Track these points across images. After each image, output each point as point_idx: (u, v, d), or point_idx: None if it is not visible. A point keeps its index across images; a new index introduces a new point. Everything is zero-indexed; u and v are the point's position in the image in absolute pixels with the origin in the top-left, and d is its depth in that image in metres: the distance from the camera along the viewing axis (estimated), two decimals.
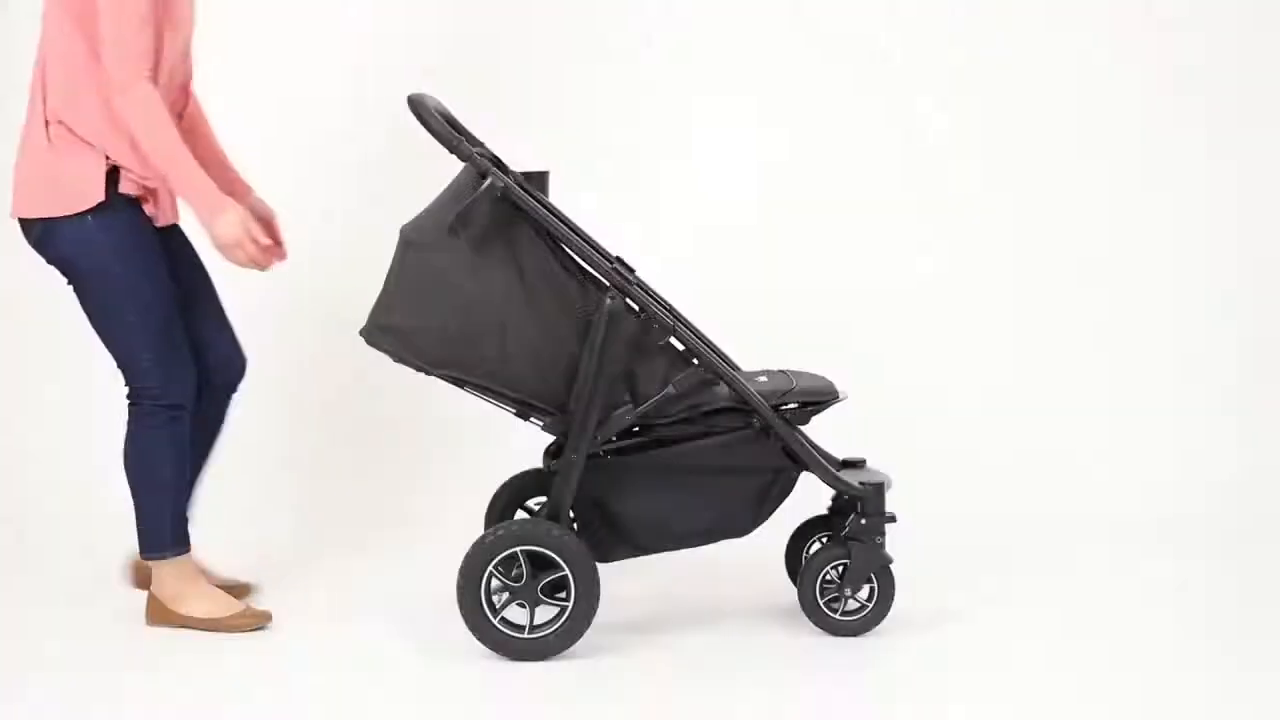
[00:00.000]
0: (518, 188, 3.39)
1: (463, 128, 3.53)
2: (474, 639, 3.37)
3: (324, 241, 4.56)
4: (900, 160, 4.79)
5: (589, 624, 3.38)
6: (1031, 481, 4.52)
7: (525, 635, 3.38)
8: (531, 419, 3.48)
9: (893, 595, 3.52)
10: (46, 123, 3.40)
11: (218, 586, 3.68)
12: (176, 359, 3.49)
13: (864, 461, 3.68)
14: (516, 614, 3.39)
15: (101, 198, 3.38)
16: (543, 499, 3.76)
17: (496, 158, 3.48)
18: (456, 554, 3.41)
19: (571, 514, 3.46)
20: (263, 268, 3.48)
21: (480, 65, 4.77)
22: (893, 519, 3.52)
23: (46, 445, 4.73)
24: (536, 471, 3.86)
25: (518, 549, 3.36)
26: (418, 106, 3.42)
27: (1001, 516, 4.40)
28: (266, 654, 3.48)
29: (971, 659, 3.43)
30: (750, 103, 4.83)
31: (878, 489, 3.51)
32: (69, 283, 3.49)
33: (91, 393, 4.39)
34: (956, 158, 4.78)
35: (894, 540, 3.56)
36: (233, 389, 3.75)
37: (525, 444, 3.98)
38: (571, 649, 3.38)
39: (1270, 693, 3.23)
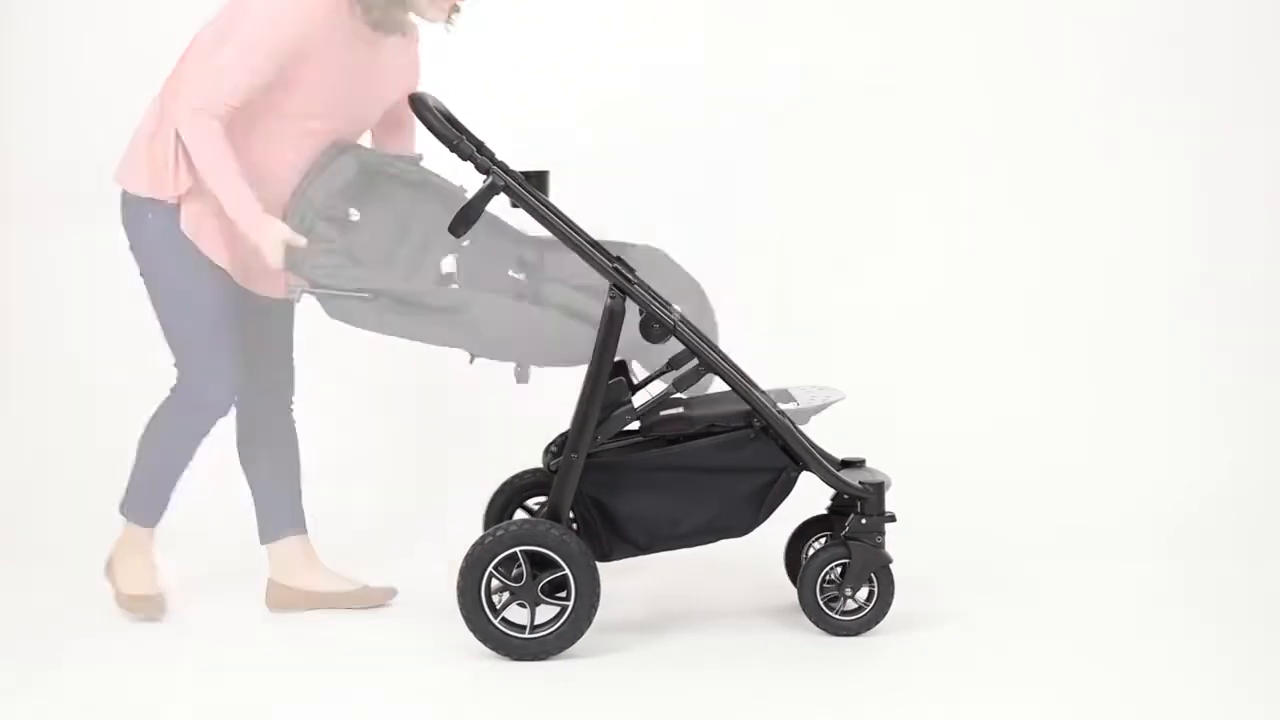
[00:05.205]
0: (518, 186, 3.39)
1: (463, 126, 3.52)
2: (474, 639, 3.37)
3: None
4: (901, 166, 4.80)
5: (589, 624, 3.37)
6: (1031, 482, 4.52)
7: (526, 635, 3.37)
8: None
9: (892, 595, 3.52)
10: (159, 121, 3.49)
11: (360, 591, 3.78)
12: (219, 363, 3.56)
13: (864, 461, 3.67)
14: (517, 614, 3.39)
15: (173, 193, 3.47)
16: (542, 499, 3.76)
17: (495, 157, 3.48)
18: (456, 554, 3.41)
19: (571, 514, 3.46)
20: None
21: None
22: (892, 519, 3.52)
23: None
24: (535, 471, 3.85)
25: (517, 549, 3.35)
26: (418, 105, 3.42)
27: (1001, 517, 4.39)
28: (266, 653, 3.47)
29: (971, 659, 3.43)
30: (750, 102, 4.83)
31: (878, 489, 3.50)
32: (140, 272, 3.59)
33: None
34: (957, 163, 4.78)
35: (894, 540, 3.56)
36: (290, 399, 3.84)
37: (524, 443, 3.97)
38: (572, 649, 3.38)
39: (1269, 694, 3.23)
